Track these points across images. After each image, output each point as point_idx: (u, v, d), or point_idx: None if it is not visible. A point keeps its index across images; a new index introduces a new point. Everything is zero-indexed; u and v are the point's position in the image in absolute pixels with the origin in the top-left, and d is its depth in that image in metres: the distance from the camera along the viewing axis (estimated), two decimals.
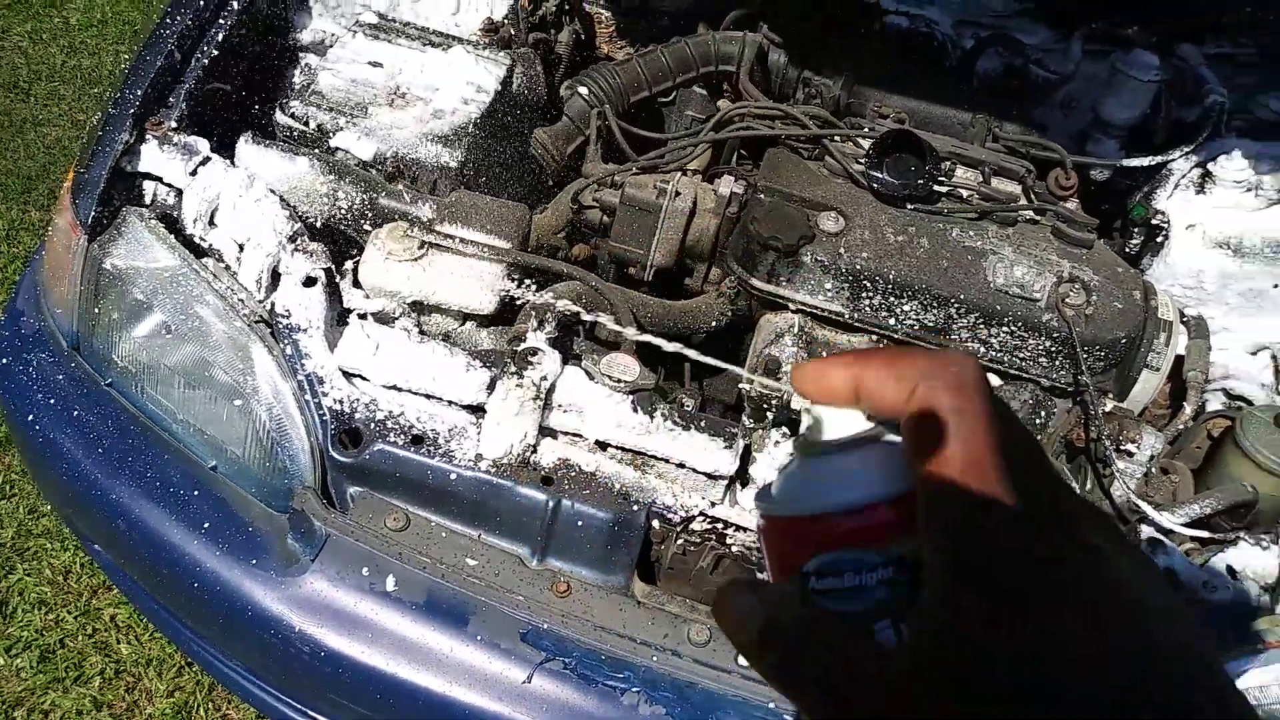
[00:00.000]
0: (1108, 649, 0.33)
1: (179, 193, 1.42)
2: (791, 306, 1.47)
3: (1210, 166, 1.71)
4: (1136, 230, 1.77)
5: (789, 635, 0.38)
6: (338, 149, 1.51)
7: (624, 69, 1.82)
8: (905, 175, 1.49)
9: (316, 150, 1.52)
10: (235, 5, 1.57)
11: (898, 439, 0.40)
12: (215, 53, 1.52)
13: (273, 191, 1.45)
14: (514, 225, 1.46)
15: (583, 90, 1.78)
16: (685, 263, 1.59)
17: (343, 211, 1.47)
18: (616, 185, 1.58)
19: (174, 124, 1.44)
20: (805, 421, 0.44)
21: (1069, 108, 1.98)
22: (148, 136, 1.42)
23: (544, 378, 1.23)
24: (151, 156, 1.42)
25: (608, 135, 1.69)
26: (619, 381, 1.23)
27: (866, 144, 1.55)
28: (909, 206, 1.50)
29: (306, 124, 1.53)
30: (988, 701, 0.33)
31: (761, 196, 1.49)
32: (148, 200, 1.44)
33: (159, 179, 1.43)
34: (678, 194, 1.51)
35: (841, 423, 0.42)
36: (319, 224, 1.48)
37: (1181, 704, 0.33)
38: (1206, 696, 0.34)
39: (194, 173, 1.42)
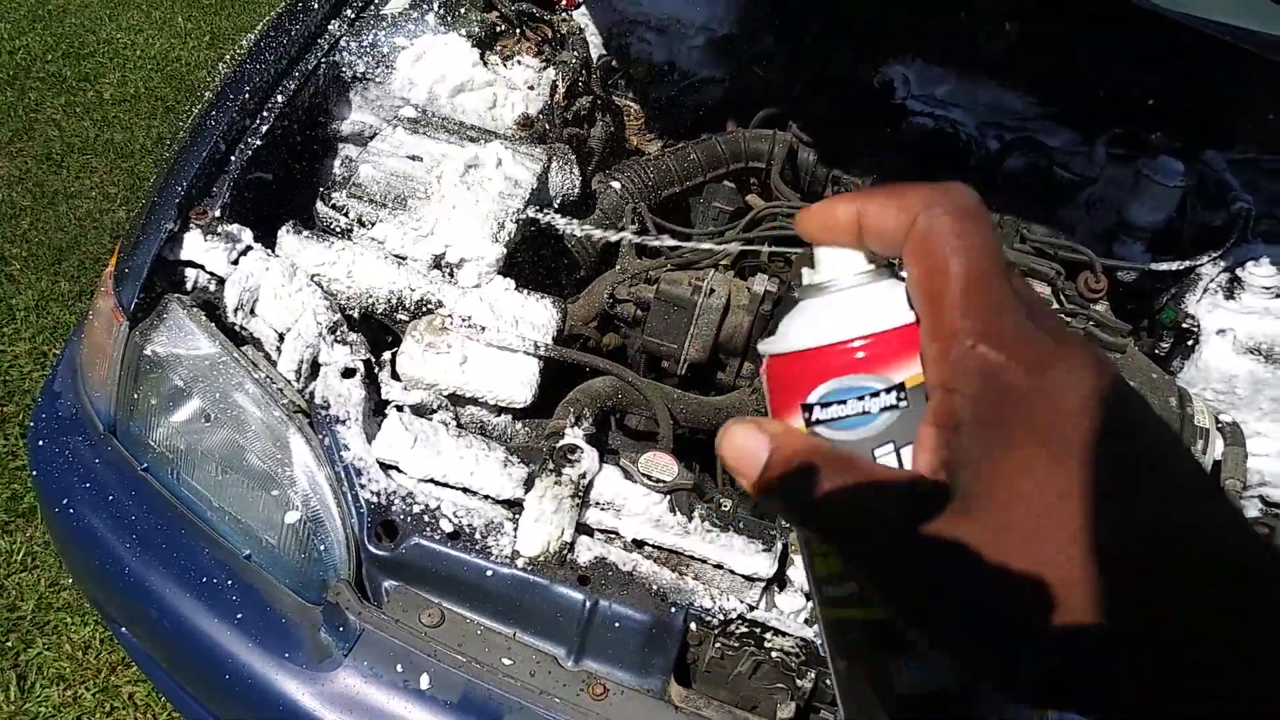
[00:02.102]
0: (1098, 475, 0.34)
1: (220, 281, 1.44)
2: None
3: (1239, 272, 1.73)
4: (1166, 333, 1.78)
5: (794, 464, 0.38)
6: (377, 241, 1.53)
7: (656, 164, 1.86)
8: None
9: (356, 241, 1.54)
10: (279, 99, 1.61)
11: (899, 277, 0.41)
12: (258, 144, 1.56)
13: (313, 280, 1.47)
14: (550, 318, 1.47)
15: (615, 185, 1.82)
16: (718, 357, 1.60)
17: (382, 302, 1.48)
18: (651, 281, 1.60)
19: (217, 213, 1.47)
20: (810, 266, 0.44)
21: (1094, 209, 2.00)
22: (191, 225, 1.45)
23: (582, 475, 1.22)
24: (194, 245, 1.43)
25: (641, 229, 1.71)
26: (657, 481, 1.22)
27: None
28: None
29: (346, 214, 1.56)
30: (985, 520, 0.35)
31: (795, 295, 1.51)
32: (189, 287, 1.45)
33: (201, 267, 1.45)
34: (712, 291, 1.53)
35: (845, 263, 0.42)
36: (358, 314, 1.50)
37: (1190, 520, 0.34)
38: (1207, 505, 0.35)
39: (235, 261, 1.44)
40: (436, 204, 1.56)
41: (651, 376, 1.61)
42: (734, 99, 2.13)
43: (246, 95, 1.57)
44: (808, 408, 0.41)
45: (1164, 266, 1.76)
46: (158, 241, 1.41)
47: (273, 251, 1.49)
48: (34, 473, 1.38)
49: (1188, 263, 1.76)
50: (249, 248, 1.47)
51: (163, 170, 1.51)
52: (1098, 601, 0.33)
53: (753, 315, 1.55)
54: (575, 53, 1.89)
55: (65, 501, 1.33)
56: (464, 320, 1.44)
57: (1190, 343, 1.74)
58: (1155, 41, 1.79)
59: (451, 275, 1.54)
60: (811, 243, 0.43)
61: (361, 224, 1.56)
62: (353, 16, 1.78)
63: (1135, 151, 1.92)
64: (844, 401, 0.40)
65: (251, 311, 1.42)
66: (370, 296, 1.49)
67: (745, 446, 0.40)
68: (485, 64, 1.81)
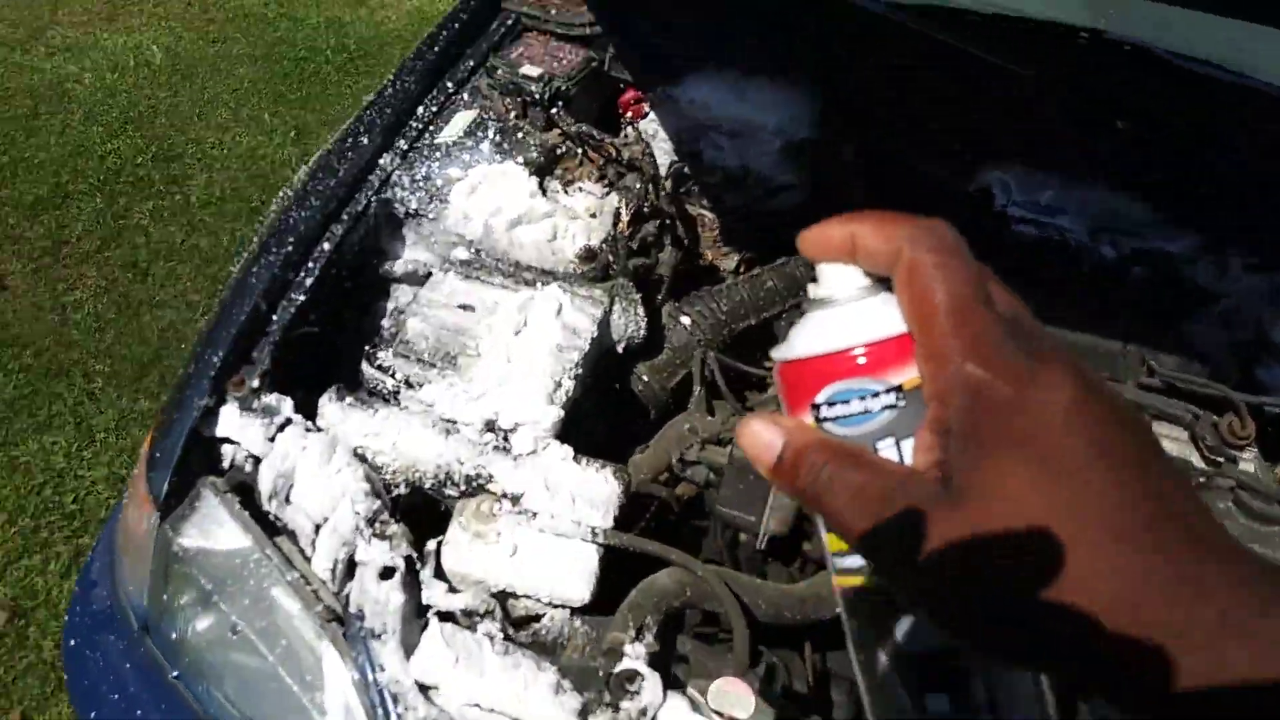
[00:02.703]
0: (1076, 475, 0.39)
1: (257, 461, 1.34)
2: None
3: None
4: None
5: (805, 454, 0.44)
6: (425, 403, 1.42)
7: (729, 294, 1.70)
8: None
9: (404, 402, 1.43)
10: (326, 246, 1.52)
11: (889, 295, 0.46)
12: (303, 299, 1.47)
13: (356, 454, 1.37)
14: (611, 493, 1.33)
15: (685, 320, 1.67)
16: (803, 527, 1.42)
17: (429, 476, 1.36)
18: (723, 442, 1.44)
19: (255, 383, 1.37)
20: (813, 281, 0.50)
21: (1229, 324, 1.77)
22: (228, 397, 1.36)
23: (643, 711, 1.07)
24: (230, 421, 1.34)
25: (713, 376, 1.56)
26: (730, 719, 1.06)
27: None
28: None
29: (393, 375, 1.45)
30: (969, 512, 0.40)
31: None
32: (226, 463, 1.36)
33: (237, 443, 1.36)
34: None
35: (845, 278, 0.48)
36: (402, 486, 1.38)
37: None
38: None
39: (273, 438, 1.35)
40: (488, 361, 1.44)
41: (726, 544, 1.45)
42: (813, 207, 1.97)
43: (290, 247, 1.49)
44: (816, 407, 0.47)
45: None
46: (191, 419, 1.33)
47: (314, 423, 1.39)
48: (66, 677, 1.29)
49: None
50: (288, 420, 1.37)
51: (201, 336, 1.42)
52: (1073, 579, 0.38)
53: None
54: (642, 171, 1.77)
55: (94, 717, 1.24)
56: (514, 501, 1.31)
57: None
58: None
59: (506, 440, 1.41)
60: (811, 260, 0.49)
61: (409, 385, 1.45)
62: (405, 148, 1.69)
63: (1274, 261, 1.69)
64: (848, 401, 0.46)
65: (287, 499, 1.31)
66: (417, 470, 1.37)
67: (762, 438, 0.46)
68: (544, 192, 1.70)
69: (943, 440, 0.42)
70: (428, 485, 1.38)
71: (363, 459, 1.38)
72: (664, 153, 2.03)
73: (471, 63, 1.85)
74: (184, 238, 3.36)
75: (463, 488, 1.37)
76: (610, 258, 1.68)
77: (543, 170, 1.73)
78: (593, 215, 1.72)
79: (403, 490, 1.38)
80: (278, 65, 4.31)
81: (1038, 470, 0.39)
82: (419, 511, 1.41)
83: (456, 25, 1.86)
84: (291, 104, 4.09)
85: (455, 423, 1.41)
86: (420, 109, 1.76)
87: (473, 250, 1.59)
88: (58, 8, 4.55)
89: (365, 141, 1.63)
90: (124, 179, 3.58)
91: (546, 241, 1.67)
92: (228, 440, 1.36)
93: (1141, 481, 0.39)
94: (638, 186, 1.72)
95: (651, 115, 2.01)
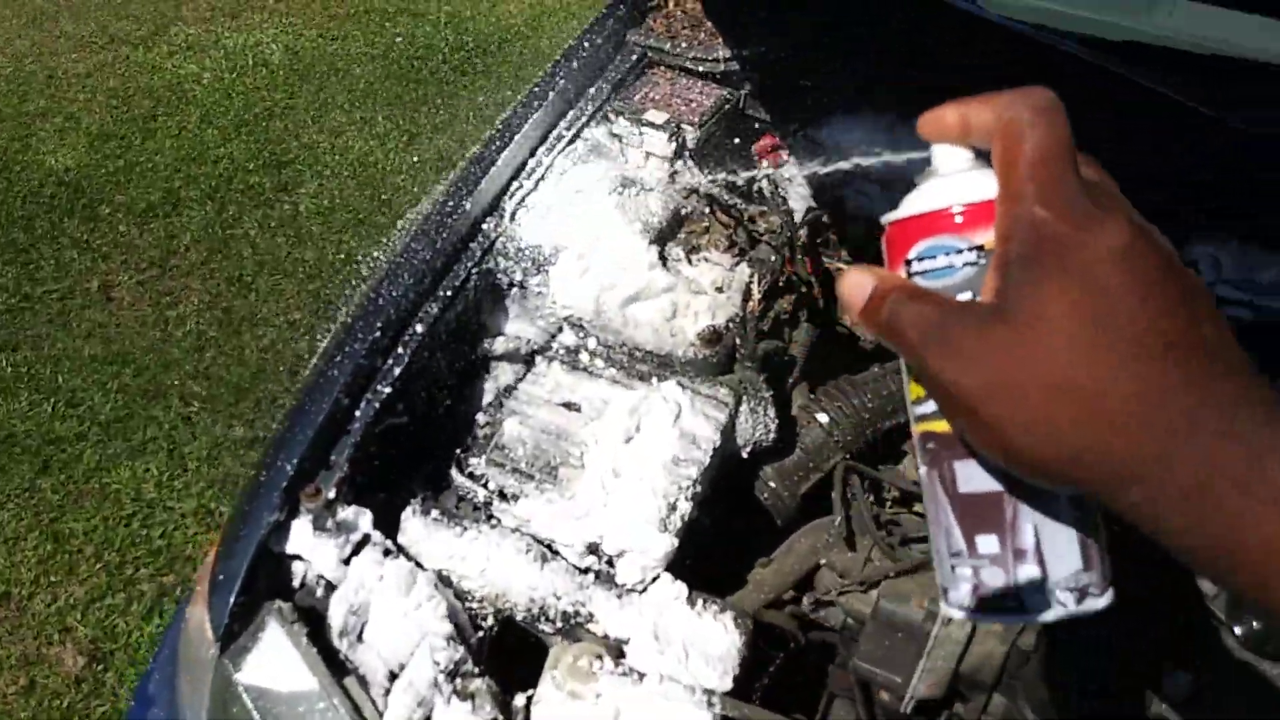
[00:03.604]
0: (1118, 306, 0.44)
1: (329, 586, 1.18)
2: None
3: None
4: None
5: (890, 296, 0.49)
6: (519, 519, 1.23)
7: (873, 386, 1.46)
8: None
9: (495, 517, 1.25)
10: (419, 329, 1.35)
11: (988, 170, 0.50)
12: (390, 390, 1.30)
13: (440, 577, 1.19)
14: (730, 647, 1.12)
15: (822, 417, 1.44)
16: (957, 689, 1.19)
17: (521, 608, 1.18)
18: (865, 585, 1.22)
19: (332, 492, 1.21)
20: (927, 165, 0.55)
21: None
22: (301, 510, 1.20)
23: None
24: (302, 538, 1.18)
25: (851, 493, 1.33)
26: None
27: None
28: None
29: (486, 485, 1.27)
30: (1015, 326, 0.45)
31: (1067, 639, 1.09)
32: (296, 581, 1.20)
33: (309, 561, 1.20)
34: (949, 622, 1.13)
35: (954, 156, 0.53)
36: (490, 618, 1.20)
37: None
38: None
39: (348, 560, 1.18)
40: (593, 474, 1.24)
41: (862, 702, 1.23)
42: None
43: (379, 332, 1.32)
44: (908, 262, 0.53)
45: None
46: (259, 537, 1.17)
47: (394, 542, 1.21)
48: None
49: None
50: (365, 538, 1.20)
51: (274, 437, 1.26)
52: (1095, 387, 0.43)
53: (1007, 645, 1.13)
54: (778, 236, 1.54)
55: None
56: (617, 655, 1.12)
57: None
58: None
59: (610, 565, 1.21)
60: (929, 141, 0.54)
61: (504, 497, 1.26)
62: (511, 210, 1.51)
63: None
64: (935, 257, 0.51)
65: (359, 636, 1.14)
66: (507, 600, 1.19)
67: (858, 283, 0.52)
68: (665, 262, 1.48)
69: (1003, 273, 0.46)
70: (519, 617, 1.19)
71: (447, 582, 1.21)
72: (799, 198, 1.79)
73: (591, 106, 1.64)
74: (289, 250, 3.27)
75: (559, 624, 1.18)
76: (737, 340, 1.46)
77: (664, 236, 1.52)
78: (719, 290, 1.50)
79: (490, 622, 1.20)
80: (395, 64, 4.20)
81: (1080, 296, 0.44)
82: (508, 634, 1.23)
83: (575, 64, 1.66)
84: (406, 106, 3.97)
85: (552, 544, 1.22)
86: (530, 161, 1.56)
87: (580, 335, 1.39)
88: (182, 3, 4.54)
89: (468, 206, 1.44)
90: (235, 186, 3.52)
91: (665, 320, 1.46)
92: (298, 557, 1.20)
93: (1171, 312, 0.44)
94: (773, 258, 1.49)
95: (789, 160, 1.77)
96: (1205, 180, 1.48)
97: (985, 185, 0.50)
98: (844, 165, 1.78)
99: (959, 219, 0.50)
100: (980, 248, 0.49)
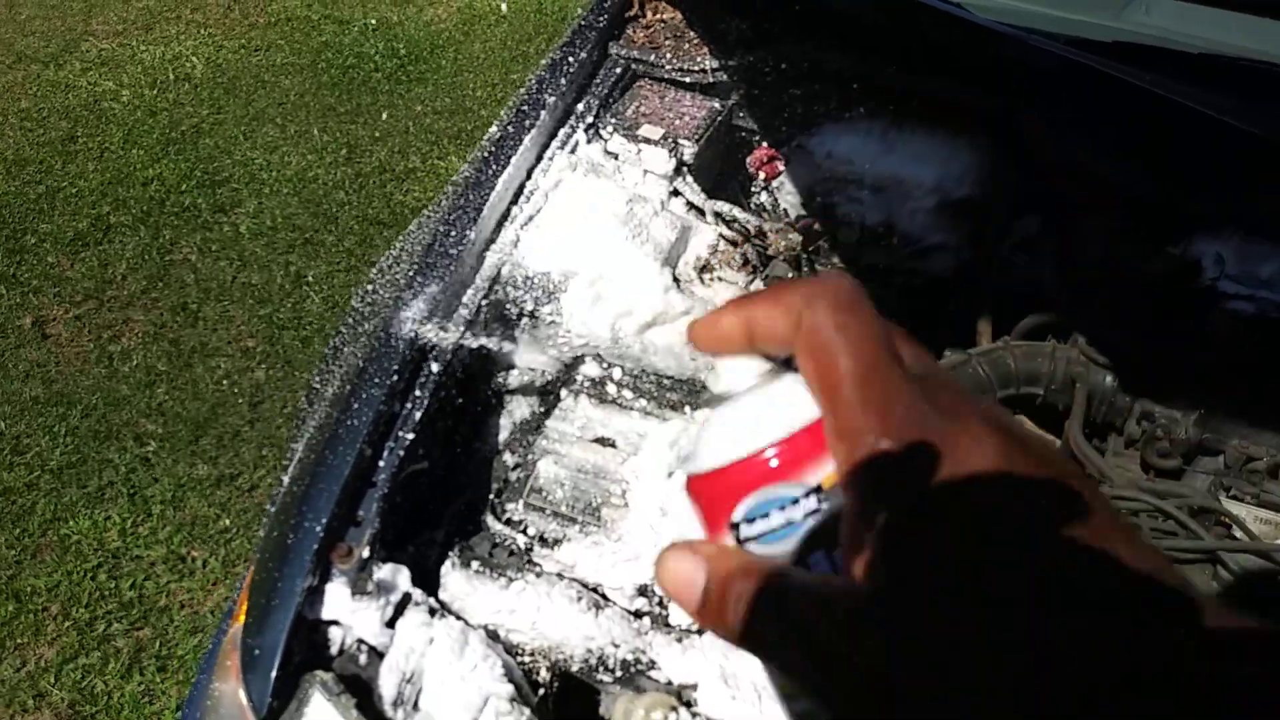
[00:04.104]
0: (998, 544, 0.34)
1: (372, 652, 1.11)
2: None
3: None
4: None
5: (729, 585, 0.38)
6: (565, 565, 1.18)
7: None
8: None
9: (536, 569, 1.19)
10: (435, 366, 1.28)
11: (796, 375, 0.41)
12: (411, 436, 1.23)
13: (488, 633, 1.14)
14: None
15: None
16: None
17: (578, 660, 1.13)
18: None
19: (365, 551, 1.14)
20: (710, 379, 0.45)
21: None
22: (334, 573, 1.13)
23: None
24: (339, 603, 1.11)
25: None
26: None
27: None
28: None
29: (525, 531, 1.21)
30: (921, 620, 0.34)
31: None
32: (335, 649, 1.13)
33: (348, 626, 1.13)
34: None
35: (743, 371, 0.43)
36: (544, 673, 1.15)
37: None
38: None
39: (391, 622, 1.12)
40: (638, 514, 1.20)
41: None
42: (970, 273, 1.71)
43: (395, 375, 1.25)
44: (734, 526, 0.41)
45: None
46: (294, 605, 1.10)
47: (437, 601, 1.15)
48: None
49: None
50: (407, 597, 1.14)
51: (294, 491, 1.19)
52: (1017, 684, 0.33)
53: None
54: (793, 252, 1.51)
55: None
56: (688, 705, 1.08)
57: None
58: None
59: (663, 607, 1.17)
60: (706, 354, 0.44)
61: (544, 542, 1.21)
62: (514, 237, 1.45)
63: None
64: (768, 515, 0.40)
65: (415, 705, 1.08)
66: (562, 652, 1.14)
67: (682, 574, 0.40)
68: (678, 284, 1.44)
69: (870, 544, 0.36)
70: (575, 669, 1.14)
71: (495, 637, 1.15)
72: (790, 206, 1.77)
73: (582, 124, 1.59)
74: (234, 274, 3.14)
75: (618, 674, 1.13)
76: None
77: (673, 257, 1.48)
78: None
79: (545, 676, 1.15)
80: (325, 74, 4.06)
81: (970, 545, 0.35)
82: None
83: (561, 80, 1.60)
84: (341, 117, 3.84)
85: (598, 589, 1.18)
86: (528, 183, 1.51)
87: (604, 365, 1.34)
88: (91, 17, 4.32)
89: (472, 235, 1.38)
90: (169, 208, 3.36)
91: (684, 344, 1.42)
92: (335, 623, 1.13)
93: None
94: (789, 275, 1.46)
95: (784, 171, 1.75)
96: (1203, 177, 1.49)
97: (797, 402, 0.40)
98: (838, 173, 1.77)
99: (782, 459, 0.40)
100: (819, 489, 0.40)
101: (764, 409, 0.42)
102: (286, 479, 1.25)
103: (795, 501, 0.40)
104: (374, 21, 4.39)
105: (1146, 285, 1.54)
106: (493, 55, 4.24)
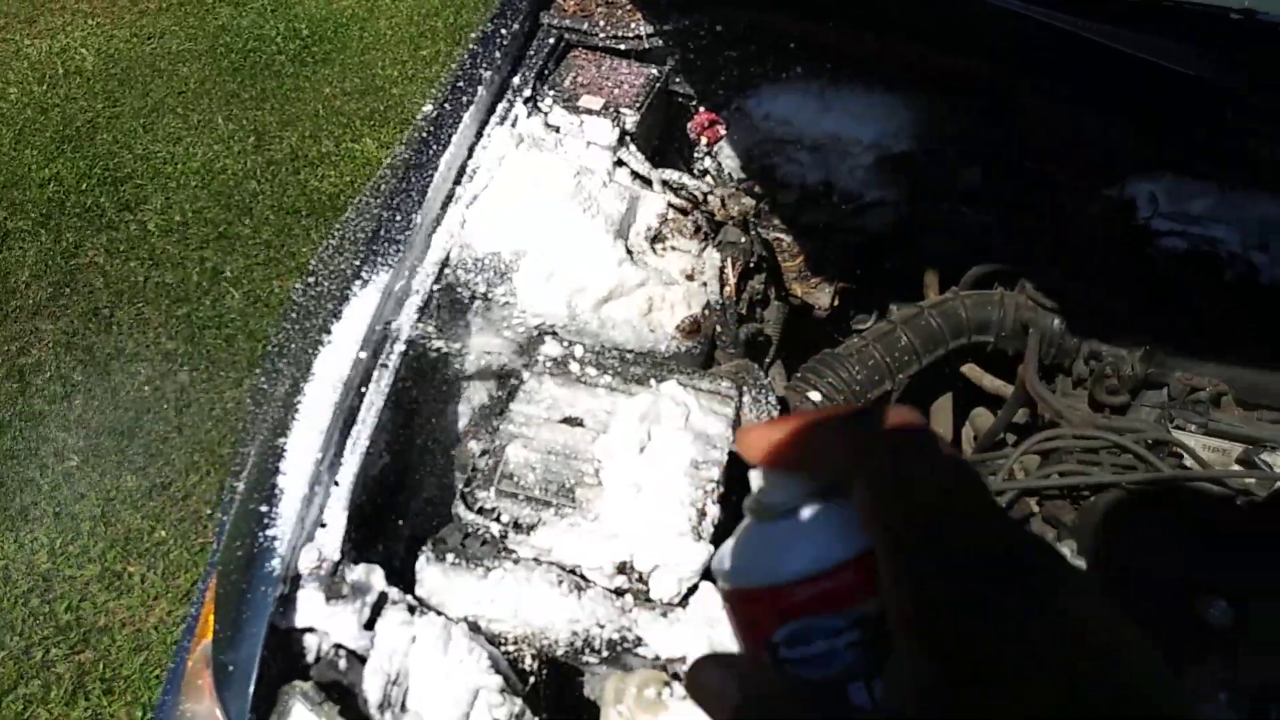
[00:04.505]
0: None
1: (352, 656, 1.07)
2: None
3: None
4: None
5: (766, 707, 0.38)
6: (541, 550, 1.16)
7: (859, 359, 1.45)
8: None
9: (515, 550, 1.17)
10: (392, 358, 1.24)
11: (847, 501, 0.39)
12: (372, 432, 1.19)
13: (469, 624, 1.11)
14: None
15: (815, 395, 1.42)
16: None
17: (562, 644, 1.11)
18: None
19: (336, 555, 1.10)
20: (755, 484, 0.43)
21: None
22: (304, 581, 1.08)
23: None
24: (313, 609, 1.07)
25: None
26: None
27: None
28: None
29: (499, 518, 1.18)
30: None
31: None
32: (311, 657, 1.09)
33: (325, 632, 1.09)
34: None
35: (793, 486, 0.42)
36: (529, 661, 1.13)
37: None
38: None
39: (370, 624, 1.08)
40: (614, 491, 1.18)
41: None
42: (913, 226, 1.72)
43: (352, 370, 1.20)
44: (773, 647, 0.40)
45: None
46: (266, 616, 1.05)
47: (413, 597, 1.12)
48: None
49: None
50: (383, 596, 1.10)
51: (253, 498, 1.13)
52: None
53: None
54: (743, 217, 1.50)
55: None
56: (677, 671, 1.07)
57: None
58: None
59: (643, 583, 1.16)
60: (753, 465, 0.43)
61: (519, 528, 1.18)
62: (461, 218, 1.40)
63: None
64: (809, 641, 0.39)
65: (403, 706, 1.05)
66: (546, 638, 1.12)
67: (715, 688, 0.39)
68: (631, 256, 1.42)
69: (922, 669, 0.35)
70: (561, 653, 1.12)
71: (476, 629, 1.12)
72: (733, 170, 1.76)
73: (521, 98, 1.54)
74: (146, 274, 3.00)
75: (605, 654, 1.11)
76: (718, 326, 1.42)
77: (624, 229, 1.45)
78: (690, 277, 1.45)
79: (531, 663, 1.13)
80: (224, 59, 3.89)
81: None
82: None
83: (495, 53, 1.55)
84: (246, 104, 3.69)
85: (576, 570, 1.16)
86: (470, 162, 1.46)
87: (565, 344, 1.31)
88: None
89: (418, 219, 1.34)
90: (70, 210, 3.19)
91: (642, 316, 1.40)
92: (310, 630, 1.09)
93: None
94: (742, 240, 1.45)
95: (725, 134, 1.73)
96: (1136, 119, 1.52)
97: (848, 532, 0.40)
98: (776, 135, 1.76)
99: (829, 588, 0.40)
100: (865, 619, 0.39)
101: (814, 532, 0.41)
102: (241, 485, 1.20)
103: (839, 633, 0.39)
104: (271, 2, 4.22)
105: (1086, 228, 1.57)
106: (399, 31, 4.12)
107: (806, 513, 0.42)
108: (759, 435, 0.43)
